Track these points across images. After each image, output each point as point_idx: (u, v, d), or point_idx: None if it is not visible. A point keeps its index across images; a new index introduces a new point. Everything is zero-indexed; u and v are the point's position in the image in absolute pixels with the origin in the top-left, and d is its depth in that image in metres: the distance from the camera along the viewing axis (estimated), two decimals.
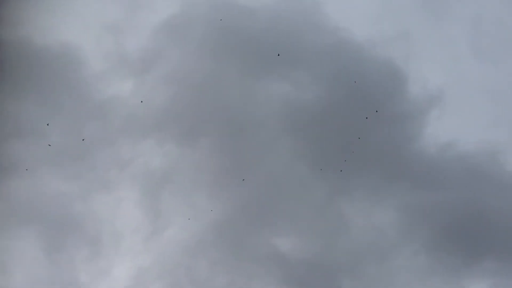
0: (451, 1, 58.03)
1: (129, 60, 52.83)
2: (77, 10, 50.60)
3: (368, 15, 57.59)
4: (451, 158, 50.59)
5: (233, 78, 53.77)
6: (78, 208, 47.46)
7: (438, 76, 54.92)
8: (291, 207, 49.08)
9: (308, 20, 55.80)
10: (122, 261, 47.92)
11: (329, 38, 55.34)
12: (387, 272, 46.56)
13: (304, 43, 55.40)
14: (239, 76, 53.88)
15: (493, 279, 45.71)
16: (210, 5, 53.93)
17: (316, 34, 55.44)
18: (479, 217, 46.82)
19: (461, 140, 51.84)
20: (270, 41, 54.54)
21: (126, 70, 52.58)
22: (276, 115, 52.90)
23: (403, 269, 46.55)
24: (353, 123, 52.12)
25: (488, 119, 53.53)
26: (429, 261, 46.36)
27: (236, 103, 52.99)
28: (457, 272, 45.74)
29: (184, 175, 51.00)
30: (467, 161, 50.47)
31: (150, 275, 47.28)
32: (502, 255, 45.75)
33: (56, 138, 48.03)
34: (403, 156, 51.22)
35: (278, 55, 53.29)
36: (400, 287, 45.93)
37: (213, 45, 54.04)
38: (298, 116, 52.54)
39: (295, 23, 55.50)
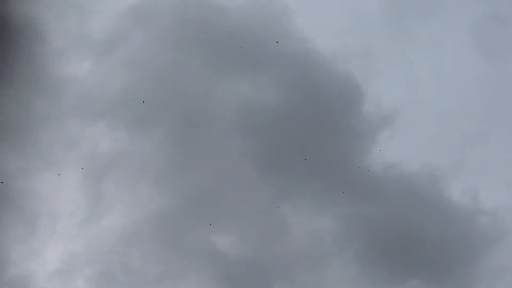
0: (415, 25, 61.19)
1: (91, 40, 53.47)
2: None
3: (335, 29, 59.88)
4: (394, 178, 53.63)
5: (194, 71, 55.13)
6: (16, 184, 47.31)
7: (393, 97, 57.46)
8: (234, 206, 50.93)
9: (277, 26, 57.88)
10: (55, 243, 48.40)
11: (294, 46, 57.65)
12: (318, 279, 49.22)
13: (269, 48, 57.38)
14: (200, 70, 55.28)
15: None
16: None
17: (282, 40, 57.59)
18: (411, 237, 50.08)
19: (407, 162, 54.94)
20: (236, 41, 56.21)
21: (86, 50, 53.30)
22: (232, 114, 54.60)
23: (333, 278, 49.31)
24: (307, 131, 54.65)
25: (435, 143, 56.78)
26: (359, 272, 49.31)
27: (193, 96, 54.43)
28: (383, 286, 48.79)
29: (131, 163, 52.08)
30: (408, 182, 53.69)
31: (82, 260, 48.42)
32: (427, 277, 49.14)
33: (2, 109, 47.88)
34: (349, 170, 53.93)
35: (240, 47, 54.93)
36: None
37: (178, 36, 55.30)
38: (254, 117, 54.45)
39: (263, 27, 57.35)
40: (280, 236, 50.46)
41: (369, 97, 57.63)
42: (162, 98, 53.82)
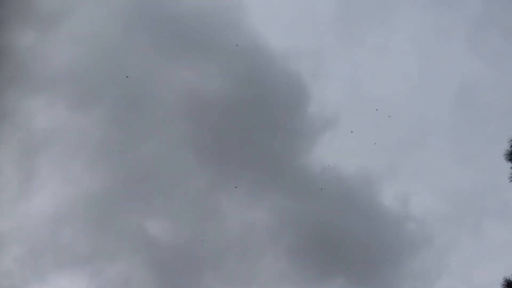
0: (364, 29, 64.98)
1: (36, 12, 52.71)
2: None
3: (287, 26, 62.61)
4: (330, 179, 56.45)
5: (141, 53, 55.97)
6: None
7: (337, 100, 60.80)
8: (170, 191, 52.10)
9: (230, 18, 59.59)
10: None
11: (245, 40, 59.42)
12: (249, 270, 51.30)
13: (220, 39, 58.98)
14: (147, 53, 56.18)
15: None
16: None
17: (234, 33, 59.24)
18: (342, 237, 52.93)
19: (344, 164, 57.94)
20: (188, 29, 57.53)
21: (31, 21, 52.44)
22: (175, 99, 56.04)
23: (264, 269, 51.55)
24: (249, 124, 56.74)
25: (373, 148, 60.01)
26: (289, 266, 51.79)
27: (138, 78, 55.09)
28: (311, 281, 51.49)
29: (67, 140, 52.27)
30: (344, 184, 56.69)
31: (9, 238, 48.01)
32: (353, 276, 52.17)
33: None
34: (288, 166, 56.46)
35: (192, 42, 56.39)
36: (257, 286, 50.68)
37: (128, 16, 55.98)
38: (197, 105, 56.00)
39: (217, 18, 59.00)
40: (213, 224, 52.18)
41: (315, 98, 60.78)
42: (105, 76, 54.35)
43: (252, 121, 57.32)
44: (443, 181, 60.13)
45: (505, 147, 23.13)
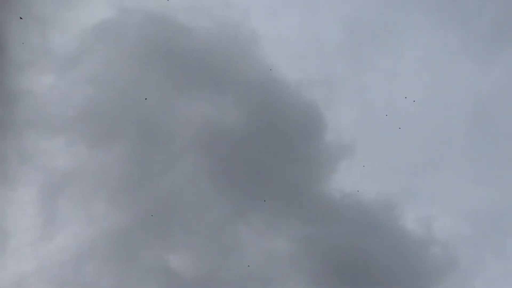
0: (373, 53, 66.17)
1: (53, 55, 55.16)
2: None
3: (298, 56, 63.94)
4: (350, 205, 56.88)
5: (156, 89, 57.57)
6: None
7: (352, 126, 61.48)
8: (189, 223, 52.99)
9: (243, 49, 61.35)
10: (6, 262, 48.79)
11: (258, 70, 61.08)
12: None
13: (234, 71, 60.65)
14: (162, 88, 57.83)
15: None
16: (145, 16, 58.08)
17: (247, 64, 61.00)
18: (364, 263, 53.01)
19: (364, 190, 58.30)
20: (201, 62, 59.30)
21: (48, 65, 54.93)
22: (192, 132, 57.33)
23: None
24: (266, 155, 57.77)
25: (390, 172, 60.63)
26: None
27: (154, 113, 56.75)
28: None
29: (87, 178, 53.44)
30: (364, 210, 56.98)
31: (33, 279, 48.76)
32: None
33: None
34: (308, 194, 57.05)
35: (206, 76, 58.19)
36: None
37: (142, 53, 57.91)
38: (213, 137, 57.30)
39: (229, 50, 60.83)
40: (234, 254, 52.64)
41: (330, 126, 61.49)
42: (122, 114, 56.00)
43: (269, 151, 58.35)
44: (463, 203, 60.08)
45: None
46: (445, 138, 64.22)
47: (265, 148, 58.33)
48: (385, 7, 67.33)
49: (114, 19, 57.48)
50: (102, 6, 57.04)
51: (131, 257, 50.58)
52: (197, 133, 57.06)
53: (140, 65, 57.63)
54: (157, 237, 51.48)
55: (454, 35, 67.23)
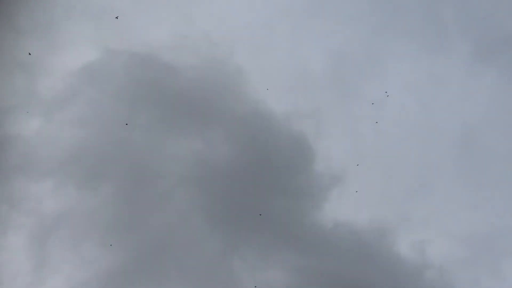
0: (359, 83, 67.43)
1: (39, 99, 55.79)
2: None
3: (285, 89, 65.02)
4: (343, 234, 56.96)
5: (144, 128, 58.13)
6: None
7: (342, 155, 62.10)
8: (182, 260, 52.63)
9: (230, 85, 62.31)
10: None
11: (246, 105, 61.98)
12: None
13: (222, 106, 61.45)
14: (151, 127, 58.37)
15: None
16: (131, 56, 58.87)
17: (235, 99, 61.92)
18: None
19: (356, 218, 58.55)
20: (189, 99, 60.08)
21: (36, 109, 55.47)
22: (181, 169, 57.55)
23: None
24: (258, 187, 57.98)
25: (382, 199, 61.01)
26: None
27: (143, 152, 57.07)
28: None
29: (78, 221, 53.24)
30: (358, 238, 57.01)
31: None
32: None
33: None
34: (300, 225, 57.12)
35: (195, 112, 58.89)
36: None
37: (130, 94, 58.60)
38: (203, 172, 57.56)
39: (217, 86, 61.78)
40: None
41: (319, 156, 62.10)
42: (111, 154, 56.17)
43: (260, 184, 58.65)
44: (456, 226, 60.44)
45: None
46: (435, 162, 65.15)
47: (256, 181, 58.67)
48: (369, 37, 69.06)
49: (99, 61, 58.25)
50: (87, 48, 57.92)
51: None
52: (187, 170, 57.42)
53: (127, 105, 58.19)
54: (151, 276, 51.03)
55: (437, 61, 68.83)
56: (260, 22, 66.31)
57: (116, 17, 56.64)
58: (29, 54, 51.69)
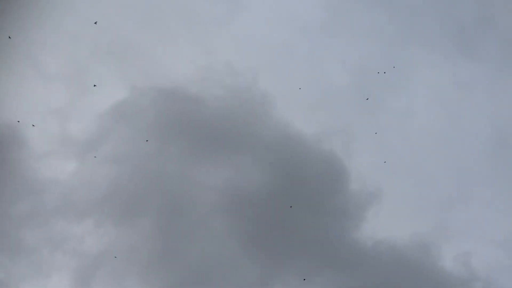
0: (385, 96, 67.18)
1: (72, 143, 57.23)
2: (24, 91, 55.05)
3: (312, 109, 65.16)
4: (385, 251, 56.38)
5: (176, 159, 58.83)
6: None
7: (375, 171, 61.66)
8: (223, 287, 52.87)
9: (256, 111, 62.82)
10: None
11: (274, 129, 62.26)
12: None
13: (250, 132, 61.84)
14: (182, 159, 59.01)
15: None
16: (158, 92, 59.87)
17: (263, 124, 62.29)
18: None
19: (396, 235, 57.82)
20: (217, 128, 60.69)
21: (68, 153, 56.90)
22: (215, 196, 58.00)
23: None
24: (293, 210, 57.79)
25: (420, 212, 60.35)
26: None
27: (176, 183, 57.75)
28: None
29: (119, 257, 53.76)
30: (400, 255, 56.33)
31: None
32: None
33: None
34: (339, 245, 56.75)
35: (224, 141, 59.42)
36: None
37: (159, 129, 59.46)
38: (237, 198, 57.82)
39: (243, 113, 62.35)
40: None
41: (353, 174, 61.80)
42: (145, 189, 57.01)
43: (295, 207, 58.39)
44: (498, 232, 59.36)
45: None
46: (469, 169, 64.32)
47: (291, 204, 58.39)
48: (389, 49, 68.99)
49: (128, 99, 59.53)
50: (115, 88, 59.06)
51: None
52: (220, 197, 57.78)
53: (158, 140, 58.92)
54: None
55: (461, 67, 68.20)
56: (279, 46, 66.95)
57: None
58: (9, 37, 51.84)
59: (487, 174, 63.74)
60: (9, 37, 50.07)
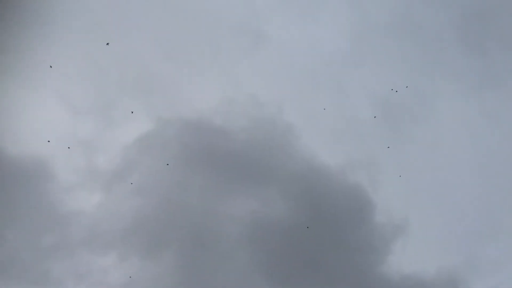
0: (410, 127, 66.47)
1: (98, 174, 57.71)
2: (51, 124, 56.12)
3: (336, 140, 64.84)
4: (412, 286, 55.25)
5: (201, 191, 58.84)
6: None
7: (401, 204, 60.89)
8: None
9: (281, 142, 62.74)
10: None
11: (299, 160, 61.98)
12: None
13: (275, 164, 61.67)
14: (207, 190, 59.06)
15: None
16: (183, 124, 60.36)
17: (287, 156, 62.08)
18: None
19: (423, 269, 56.72)
20: (242, 160, 60.73)
21: (94, 185, 57.41)
22: (239, 228, 57.73)
23: None
24: (317, 243, 57.28)
25: (447, 245, 59.17)
26: None
27: (201, 215, 57.69)
28: None
29: None
30: None
31: None
32: None
33: (11, 245, 50.98)
34: (365, 280, 55.79)
35: (249, 173, 59.30)
36: None
37: (184, 160, 59.67)
38: (262, 231, 57.44)
39: (268, 145, 62.30)
40: None
41: (379, 206, 61.02)
42: (170, 221, 57.06)
43: (320, 239, 57.91)
44: None
45: None
46: (498, 201, 63.05)
47: (316, 237, 57.93)
48: (415, 79, 68.50)
49: (153, 131, 59.98)
50: (141, 120, 59.67)
51: None
52: (245, 229, 57.63)
53: (183, 171, 59.15)
54: None
55: (487, 96, 67.47)
56: (303, 77, 66.86)
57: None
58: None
59: None
60: (50, 67, 50.79)
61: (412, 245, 58.51)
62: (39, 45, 53.58)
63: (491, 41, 69.32)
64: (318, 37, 69.11)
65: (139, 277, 55.07)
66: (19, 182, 53.27)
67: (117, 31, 60.48)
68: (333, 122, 65.81)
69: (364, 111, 67.10)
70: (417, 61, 69.78)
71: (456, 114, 67.35)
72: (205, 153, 60.10)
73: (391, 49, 69.69)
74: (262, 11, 66.92)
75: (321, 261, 56.99)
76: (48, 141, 52.37)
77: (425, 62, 69.51)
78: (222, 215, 58.98)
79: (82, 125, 57.89)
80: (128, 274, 55.01)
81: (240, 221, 58.66)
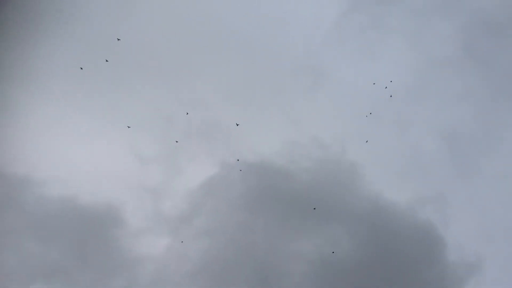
0: (479, 159, 64.29)
1: (165, 219, 59.14)
2: (121, 172, 58.41)
3: (402, 177, 63.66)
4: None
5: (267, 232, 59.08)
6: None
7: (474, 240, 58.30)
8: None
9: (345, 182, 62.28)
10: None
11: (364, 199, 61.22)
12: None
13: (340, 203, 61.11)
14: (272, 230, 59.19)
15: None
16: (247, 166, 61.17)
17: (352, 195, 61.45)
18: None
19: None
20: (307, 200, 60.24)
21: (162, 230, 58.75)
22: (305, 268, 57.08)
23: None
24: (387, 282, 55.71)
25: None
26: None
27: (266, 254, 57.70)
28: None
29: None
30: None
31: None
32: None
33: None
34: None
35: (314, 208, 58.93)
36: None
37: (249, 202, 60.21)
38: (328, 270, 56.49)
39: (333, 184, 61.98)
40: None
41: (450, 243, 59.06)
42: (236, 261, 57.24)
43: (388, 279, 56.37)
44: None
45: None
46: None
47: (384, 276, 56.48)
48: (480, 111, 66.76)
49: (218, 175, 60.94)
50: (206, 165, 61.10)
51: None
52: (311, 267, 56.90)
53: (248, 212, 59.75)
54: None
55: None
56: (364, 116, 66.43)
57: None
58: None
59: None
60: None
61: (487, 285, 55.76)
62: (115, 107, 57.02)
63: None
64: (378, 73, 68.86)
65: None
66: (91, 228, 55.77)
67: (180, 77, 63.11)
68: (397, 159, 64.88)
69: (428, 145, 65.91)
70: (481, 93, 68.10)
71: None
72: (268, 193, 60.62)
73: (453, 82, 68.48)
74: (321, 50, 67.65)
75: None
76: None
77: (489, 93, 67.73)
78: (287, 253, 58.95)
79: (150, 172, 59.86)
80: None
81: (305, 259, 58.33)
